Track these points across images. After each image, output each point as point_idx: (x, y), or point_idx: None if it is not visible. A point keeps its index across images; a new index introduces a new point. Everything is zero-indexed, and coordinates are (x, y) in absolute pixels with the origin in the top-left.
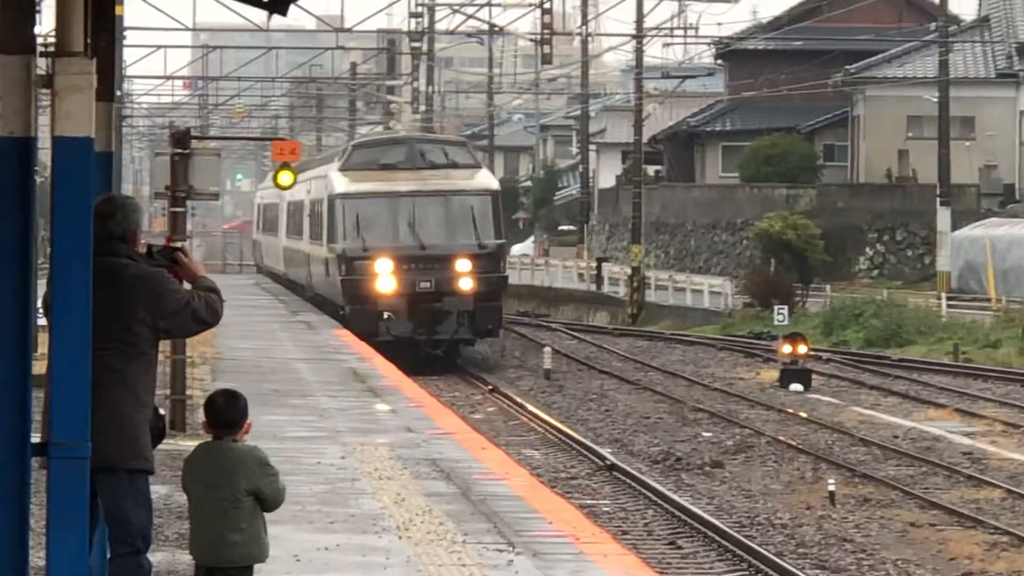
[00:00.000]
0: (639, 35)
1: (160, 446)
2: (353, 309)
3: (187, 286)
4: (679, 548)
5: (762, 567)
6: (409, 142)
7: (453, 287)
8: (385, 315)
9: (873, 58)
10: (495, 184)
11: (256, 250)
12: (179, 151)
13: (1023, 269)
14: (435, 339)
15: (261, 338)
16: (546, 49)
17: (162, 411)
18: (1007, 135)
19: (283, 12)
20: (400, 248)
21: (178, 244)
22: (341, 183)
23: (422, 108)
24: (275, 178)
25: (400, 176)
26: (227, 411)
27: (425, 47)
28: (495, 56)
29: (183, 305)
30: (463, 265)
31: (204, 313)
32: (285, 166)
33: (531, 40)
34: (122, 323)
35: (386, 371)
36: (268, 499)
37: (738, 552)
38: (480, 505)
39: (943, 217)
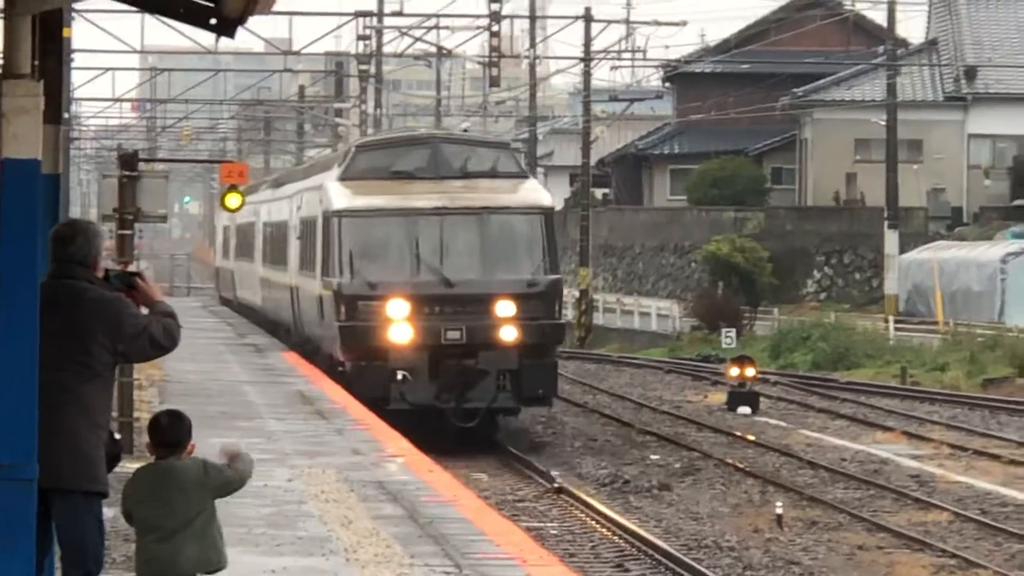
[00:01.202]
0: (587, 58)
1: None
2: (356, 366)
3: (144, 310)
4: (626, 571)
5: None
6: (433, 142)
7: (491, 339)
8: (399, 375)
9: (821, 81)
10: (547, 199)
11: (220, 279)
12: (127, 173)
13: (971, 292)
14: (466, 408)
15: (209, 360)
16: (494, 72)
17: (117, 435)
18: (955, 158)
19: (231, 35)
20: (420, 285)
21: (136, 269)
22: (341, 196)
23: (370, 131)
24: (222, 201)
25: (421, 188)
26: (171, 431)
27: (373, 70)
28: (443, 79)
29: (141, 330)
30: (505, 309)
31: (161, 338)
32: (233, 188)
33: (479, 63)
34: (80, 345)
35: (333, 394)
36: (231, 489)
37: (685, 575)
38: (427, 527)
39: (891, 240)
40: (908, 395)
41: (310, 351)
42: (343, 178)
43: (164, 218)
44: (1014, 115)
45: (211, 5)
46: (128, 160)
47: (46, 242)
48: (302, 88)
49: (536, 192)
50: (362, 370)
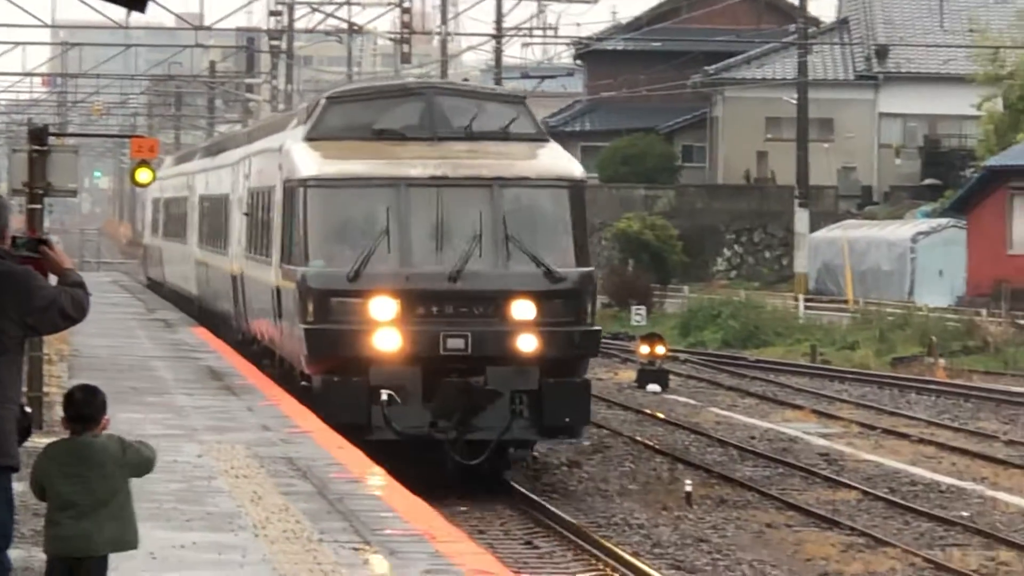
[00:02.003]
0: (498, 35)
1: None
2: (326, 382)
3: (53, 279)
4: (536, 548)
5: (618, 567)
6: (427, 94)
7: (506, 349)
8: (383, 396)
9: (732, 59)
10: (578, 169)
11: (148, 258)
12: (37, 148)
13: (880, 271)
14: (469, 439)
15: (118, 335)
16: (405, 48)
17: (27, 408)
18: (865, 137)
19: (142, 9)
20: (414, 279)
21: (43, 236)
22: (308, 161)
23: (281, 107)
24: (132, 176)
25: (412, 152)
26: (86, 406)
27: (284, 45)
28: (354, 55)
29: (50, 302)
30: (524, 311)
31: (71, 309)
32: (144, 163)
33: (390, 39)
34: None
35: (244, 369)
36: (143, 469)
37: (594, 552)
38: (337, 504)
39: (801, 218)
40: (818, 373)
41: (258, 353)
42: (311, 138)
43: (74, 192)
44: (925, 94)
45: None
46: (38, 134)
47: None
48: (213, 63)
49: (562, 159)
50: (335, 388)
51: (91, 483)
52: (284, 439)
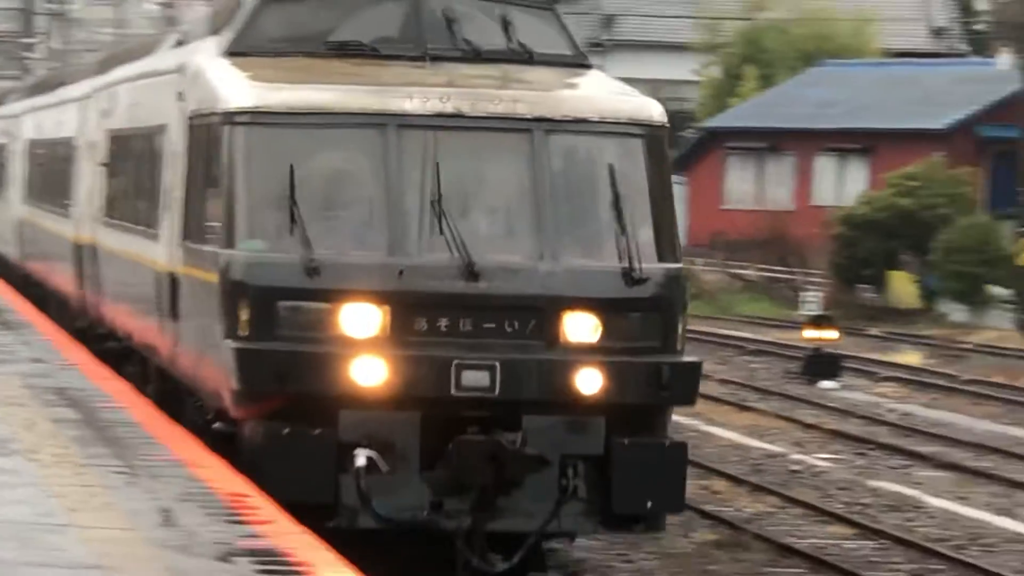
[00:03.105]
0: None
1: None
2: (270, 433)
3: None
4: None
5: None
6: None
7: (554, 390)
8: (360, 458)
9: None
10: (656, 109)
11: None
12: None
13: None
14: (494, 530)
15: None
16: (172, 12)
17: None
18: None
19: None
20: (410, 274)
21: None
22: (239, 85)
23: (55, 66)
24: None
25: (393, 75)
26: None
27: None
28: (125, 18)
29: None
30: (583, 328)
31: None
32: None
33: (158, 3)
34: None
35: (18, 305)
36: None
37: None
38: (103, 431)
39: None
40: None
41: (118, 352)
42: (235, 52)
43: None
44: (650, 61)
45: None
46: None
47: None
48: None
49: (631, 95)
50: (282, 444)
51: None
52: (56, 370)
